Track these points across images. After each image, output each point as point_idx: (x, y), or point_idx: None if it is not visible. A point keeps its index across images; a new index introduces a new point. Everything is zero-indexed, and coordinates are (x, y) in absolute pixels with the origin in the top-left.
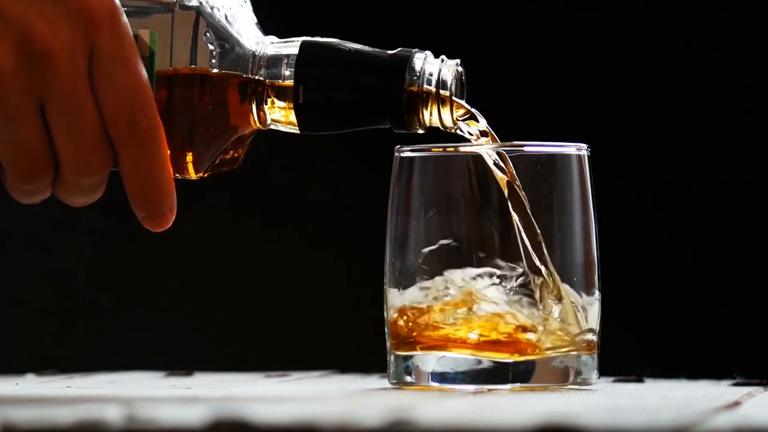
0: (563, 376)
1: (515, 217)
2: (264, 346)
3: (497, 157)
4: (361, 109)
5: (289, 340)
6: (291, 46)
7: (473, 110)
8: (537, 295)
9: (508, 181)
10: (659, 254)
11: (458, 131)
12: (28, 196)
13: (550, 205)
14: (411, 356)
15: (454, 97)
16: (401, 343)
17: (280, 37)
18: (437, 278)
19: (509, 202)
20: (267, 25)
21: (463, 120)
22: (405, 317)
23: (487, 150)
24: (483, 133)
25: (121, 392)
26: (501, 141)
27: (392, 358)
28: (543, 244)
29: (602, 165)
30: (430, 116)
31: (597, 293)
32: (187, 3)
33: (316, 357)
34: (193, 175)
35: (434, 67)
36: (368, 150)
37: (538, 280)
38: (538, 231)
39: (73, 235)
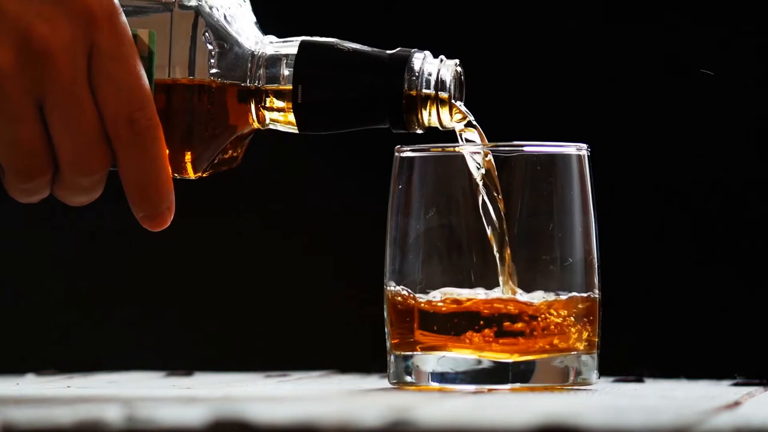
0: (563, 376)
1: (490, 212)
2: (264, 346)
3: (479, 159)
4: (359, 109)
5: (289, 340)
6: (290, 46)
7: (468, 113)
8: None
9: (484, 178)
10: (659, 254)
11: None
12: (27, 196)
13: (550, 205)
14: (411, 356)
15: (452, 100)
16: (401, 343)
17: (279, 36)
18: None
19: (484, 196)
20: (266, 25)
21: (459, 122)
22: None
23: (469, 151)
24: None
25: (121, 392)
26: (501, 141)
27: (392, 358)
28: (507, 238)
29: (602, 165)
30: (429, 116)
31: (597, 293)
32: (186, 3)
33: (316, 357)
34: (191, 174)
35: (433, 67)
36: (368, 150)
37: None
38: (506, 227)
39: (73, 235)
